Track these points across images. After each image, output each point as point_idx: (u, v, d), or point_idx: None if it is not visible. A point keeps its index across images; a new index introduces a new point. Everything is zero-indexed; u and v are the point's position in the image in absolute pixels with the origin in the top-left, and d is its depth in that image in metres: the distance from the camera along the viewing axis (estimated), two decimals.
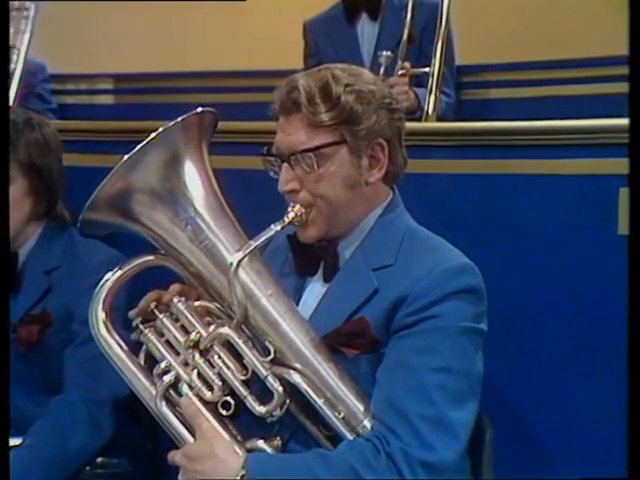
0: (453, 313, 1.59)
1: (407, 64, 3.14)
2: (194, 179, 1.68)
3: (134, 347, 1.69)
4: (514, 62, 3.87)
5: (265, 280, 1.65)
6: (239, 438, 1.60)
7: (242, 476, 1.52)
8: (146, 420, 1.76)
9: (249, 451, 1.58)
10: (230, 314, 1.64)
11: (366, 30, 3.48)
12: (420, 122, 2.91)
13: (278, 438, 1.61)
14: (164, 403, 1.63)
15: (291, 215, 1.66)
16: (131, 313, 1.70)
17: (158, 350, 1.65)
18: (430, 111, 2.99)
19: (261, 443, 1.60)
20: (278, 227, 1.63)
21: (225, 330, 1.61)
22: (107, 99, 4.71)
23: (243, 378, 1.60)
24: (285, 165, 1.67)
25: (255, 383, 1.61)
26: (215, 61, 4.39)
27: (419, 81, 3.13)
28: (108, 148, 2.55)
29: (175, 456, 1.60)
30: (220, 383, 1.60)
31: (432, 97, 2.99)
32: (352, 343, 1.61)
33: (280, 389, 1.58)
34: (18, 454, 1.83)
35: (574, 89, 3.67)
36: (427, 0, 3.30)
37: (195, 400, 1.60)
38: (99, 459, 2.07)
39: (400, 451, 1.51)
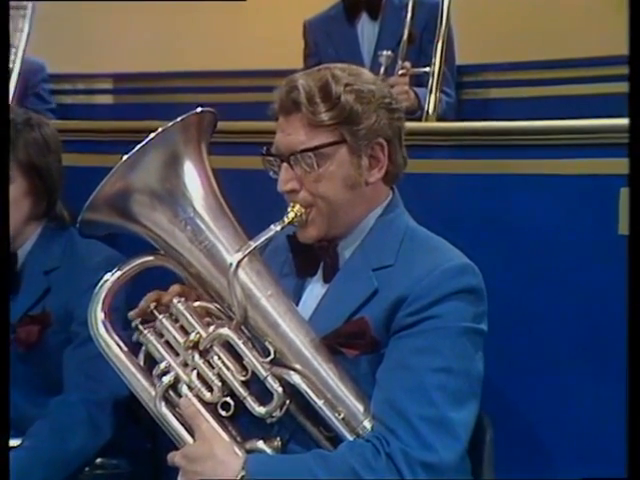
0: (453, 313, 1.59)
1: (407, 64, 3.14)
2: (193, 179, 1.68)
3: (133, 348, 1.68)
4: (514, 62, 3.87)
5: (265, 281, 1.64)
6: (239, 439, 1.60)
7: (242, 477, 1.52)
8: (145, 421, 1.75)
9: (249, 452, 1.58)
10: (230, 315, 1.64)
11: (366, 30, 3.48)
12: (420, 122, 2.91)
13: (278, 439, 1.61)
14: (163, 404, 1.62)
15: (291, 215, 1.65)
16: (131, 314, 1.70)
17: (158, 351, 1.65)
18: (430, 111, 2.98)
19: (261, 444, 1.60)
20: (278, 227, 1.63)
21: (225, 331, 1.61)
22: (106, 99, 4.71)
23: (243, 379, 1.59)
24: (285, 165, 1.67)
25: (255, 384, 1.60)
26: (215, 61, 4.40)
27: (419, 81, 3.13)
28: (107, 148, 2.55)
29: (175, 457, 1.59)
30: (220, 384, 1.60)
31: (432, 97, 2.98)
32: (352, 343, 1.61)
33: (280, 390, 1.58)
34: (17, 455, 1.83)
35: (574, 89, 3.67)
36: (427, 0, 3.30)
37: (195, 401, 1.60)
38: (98, 460, 2.07)
39: (400, 452, 1.51)
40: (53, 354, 2.05)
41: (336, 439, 1.58)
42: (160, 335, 1.66)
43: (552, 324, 2.09)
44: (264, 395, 1.59)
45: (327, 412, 1.57)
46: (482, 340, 1.64)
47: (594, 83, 3.62)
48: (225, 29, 4.62)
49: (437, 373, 1.55)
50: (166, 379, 1.62)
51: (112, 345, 1.67)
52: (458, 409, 1.55)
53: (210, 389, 1.60)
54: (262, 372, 1.58)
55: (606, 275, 2.01)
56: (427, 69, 3.03)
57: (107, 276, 1.70)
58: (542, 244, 2.10)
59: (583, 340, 2.06)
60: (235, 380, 1.59)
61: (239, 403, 1.59)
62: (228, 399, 1.59)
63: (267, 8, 4.51)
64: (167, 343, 1.65)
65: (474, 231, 2.13)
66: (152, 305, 1.68)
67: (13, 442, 1.85)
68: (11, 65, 3.42)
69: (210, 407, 1.60)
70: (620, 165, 1.82)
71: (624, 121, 1.71)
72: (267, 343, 1.61)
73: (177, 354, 1.63)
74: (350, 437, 1.57)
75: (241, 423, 1.63)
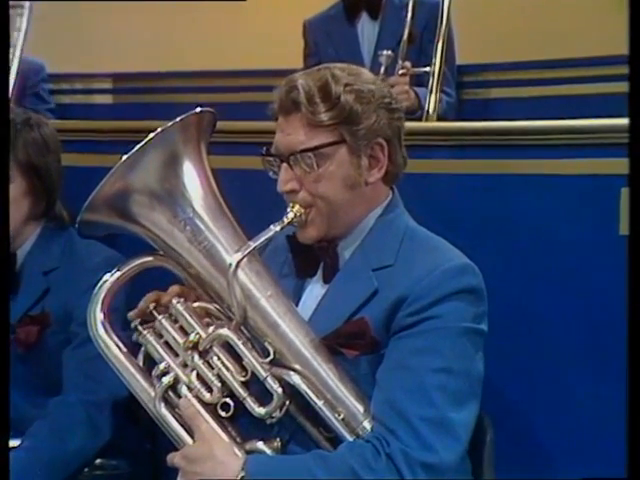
0: (453, 313, 1.58)
1: (407, 63, 3.14)
2: (193, 179, 1.67)
3: (133, 348, 1.68)
4: (515, 61, 3.87)
5: (264, 281, 1.64)
6: (238, 440, 1.60)
7: (241, 477, 1.52)
8: (145, 421, 1.75)
9: (248, 453, 1.57)
10: (229, 315, 1.64)
11: (366, 29, 3.48)
12: (420, 122, 2.91)
13: (278, 439, 1.61)
14: (163, 404, 1.62)
15: (290, 215, 1.65)
16: (130, 314, 1.70)
17: (157, 351, 1.64)
18: (431, 111, 2.98)
19: (260, 444, 1.59)
20: (277, 228, 1.62)
21: (224, 331, 1.61)
22: (106, 99, 4.70)
23: (242, 379, 1.59)
24: (284, 165, 1.66)
25: (254, 384, 1.60)
26: (214, 61, 4.39)
27: (420, 80, 3.13)
28: (107, 148, 2.55)
29: (174, 458, 1.59)
30: (219, 384, 1.60)
31: (433, 97, 2.98)
32: (352, 344, 1.61)
33: (279, 390, 1.57)
34: (16, 456, 1.83)
35: (574, 89, 3.67)
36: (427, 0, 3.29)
37: (194, 401, 1.60)
38: (98, 460, 2.06)
39: (400, 452, 1.51)
40: (52, 354, 2.04)
41: (336, 440, 1.58)
42: (159, 336, 1.66)
43: (552, 324, 2.09)
44: (264, 396, 1.59)
45: (327, 413, 1.57)
46: (482, 340, 1.64)
47: (594, 83, 3.62)
48: (225, 29, 4.62)
49: (437, 373, 1.55)
50: (165, 380, 1.61)
51: (111, 346, 1.67)
52: (458, 409, 1.55)
53: (210, 390, 1.60)
54: (262, 373, 1.58)
55: (606, 275, 2.00)
56: (427, 69, 3.03)
57: (106, 276, 1.69)
58: (542, 244, 2.10)
59: (583, 340, 2.06)
60: (235, 381, 1.59)
61: (239, 404, 1.59)
62: (228, 400, 1.59)
63: (267, 8, 4.51)
64: (166, 344, 1.65)
65: (474, 231, 2.13)
66: (151, 306, 1.67)
67: (12, 443, 1.85)
68: (9, 64, 3.42)
69: (210, 408, 1.60)
70: (620, 165, 1.82)
71: (624, 121, 1.71)
72: (267, 343, 1.61)
73: (176, 355, 1.63)
74: (350, 438, 1.57)
75: (241, 424, 1.63)
